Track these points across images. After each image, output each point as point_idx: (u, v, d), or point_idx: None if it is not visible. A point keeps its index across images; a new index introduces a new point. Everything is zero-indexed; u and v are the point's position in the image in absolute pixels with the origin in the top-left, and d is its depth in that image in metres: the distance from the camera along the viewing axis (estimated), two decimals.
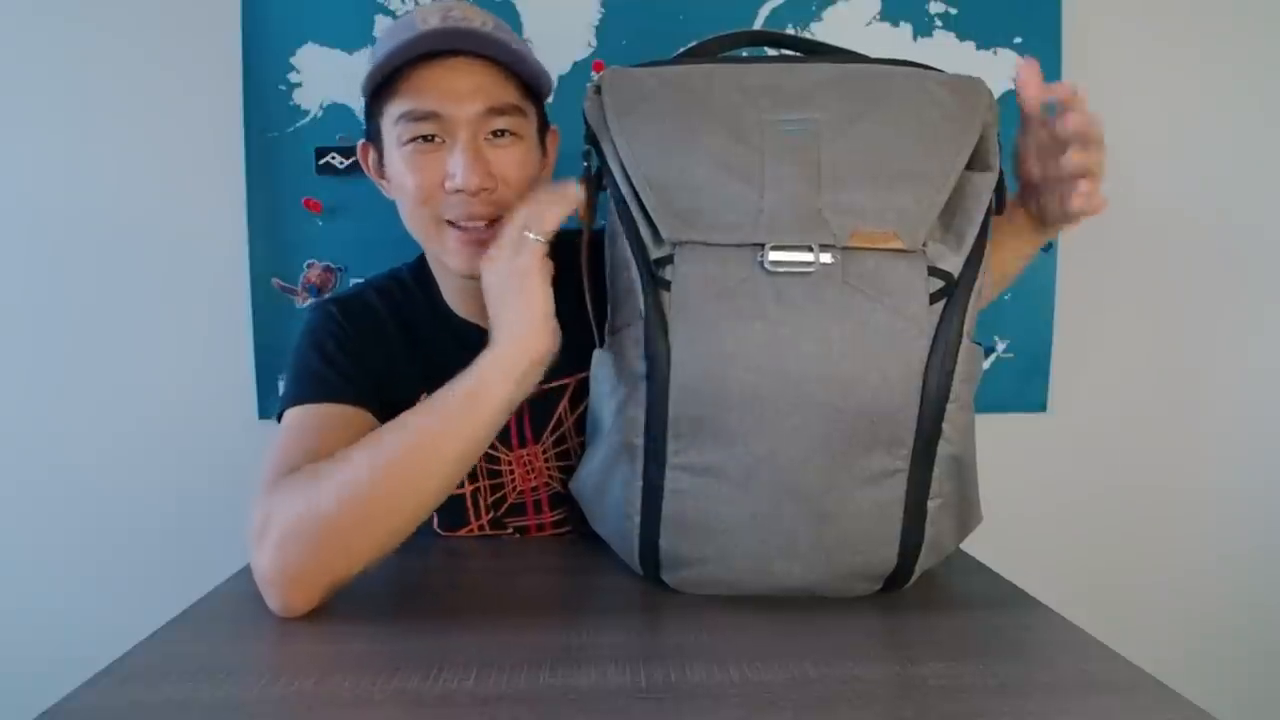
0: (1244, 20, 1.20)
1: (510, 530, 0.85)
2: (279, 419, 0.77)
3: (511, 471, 0.83)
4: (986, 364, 1.16)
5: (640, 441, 0.61)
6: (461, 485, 0.82)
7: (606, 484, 0.66)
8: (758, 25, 1.14)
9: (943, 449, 0.60)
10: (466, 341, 0.82)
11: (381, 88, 0.73)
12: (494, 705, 0.49)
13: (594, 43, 1.12)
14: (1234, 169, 1.22)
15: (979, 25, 1.15)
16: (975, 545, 0.74)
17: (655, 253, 0.59)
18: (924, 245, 0.58)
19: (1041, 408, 1.22)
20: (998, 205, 0.62)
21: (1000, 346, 1.20)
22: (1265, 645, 1.28)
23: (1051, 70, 1.16)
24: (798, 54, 0.72)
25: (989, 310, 1.18)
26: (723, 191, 0.58)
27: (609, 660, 0.53)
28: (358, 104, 0.90)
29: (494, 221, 0.75)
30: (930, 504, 0.61)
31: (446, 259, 0.77)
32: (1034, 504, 1.24)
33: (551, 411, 0.83)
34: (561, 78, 1.11)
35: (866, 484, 0.59)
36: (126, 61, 1.10)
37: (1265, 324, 1.25)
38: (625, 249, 0.61)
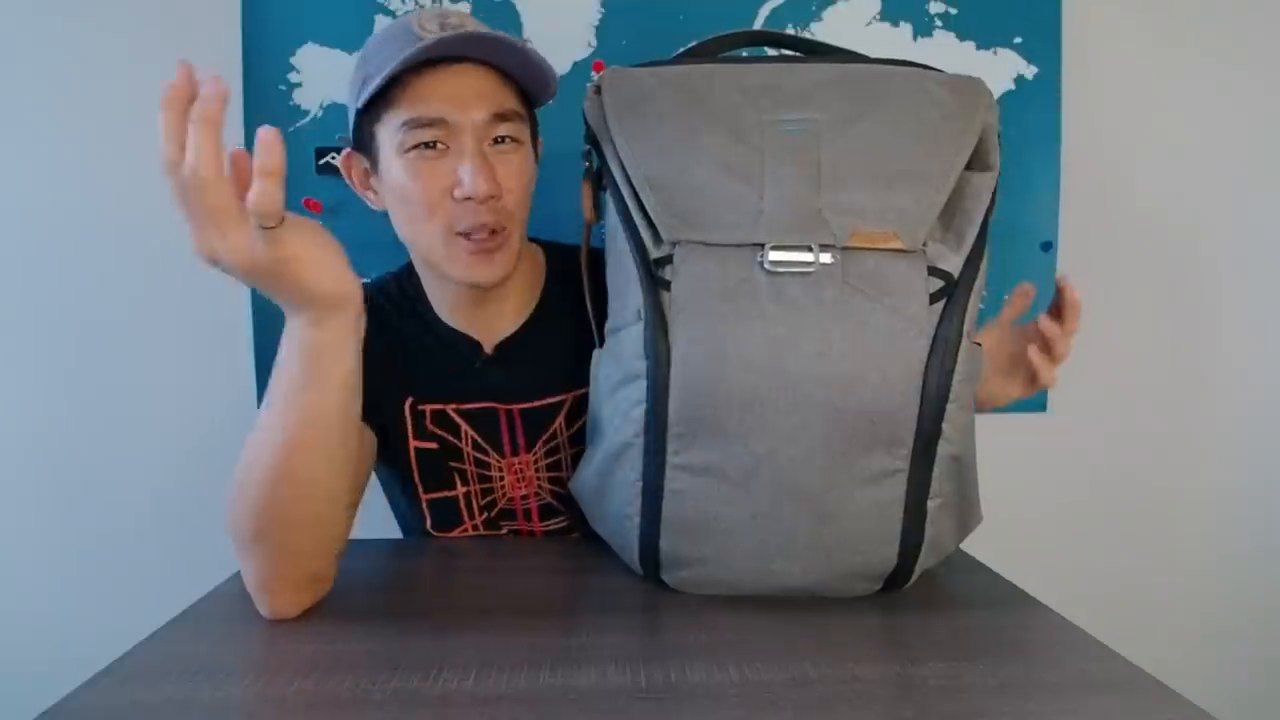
0: (1244, 20, 1.20)
1: (505, 532, 0.85)
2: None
3: (502, 478, 0.83)
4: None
5: (640, 441, 0.61)
6: (454, 488, 0.83)
7: (606, 484, 0.66)
8: (758, 25, 1.14)
9: (943, 449, 0.60)
10: (456, 350, 0.83)
11: (377, 97, 0.72)
12: (494, 705, 0.49)
13: (594, 43, 1.12)
14: (1234, 169, 1.22)
15: (979, 25, 1.15)
16: (975, 545, 0.74)
17: (655, 253, 0.59)
18: (924, 245, 0.58)
19: (1041, 408, 1.22)
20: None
21: None
22: (1265, 645, 1.28)
23: (1051, 70, 1.16)
24: (798, 54, 0.72)
25: (989, 310, 1.18)
26: (723, 191, 0.58)
27: (609, 660, 0.53)
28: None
29: (498, 231, 0.74)
30: (930, 504, 0.61)
31: (452, 270, 0.76)
32: (1034, 504, 1.24)
33: (546, 425, 0.83)
34: (561, 78, 1.10)
35: (866, 484, 0.59)
36: (127, 61, 1.09)
37: (1265, 324, 1.25)
38: (625, 249, 0.61)
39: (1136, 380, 1.24)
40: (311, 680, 0.52)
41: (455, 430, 0.82)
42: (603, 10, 1.11)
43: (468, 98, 0.71)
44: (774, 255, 0.56)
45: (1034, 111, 1.16)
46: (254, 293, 1.11)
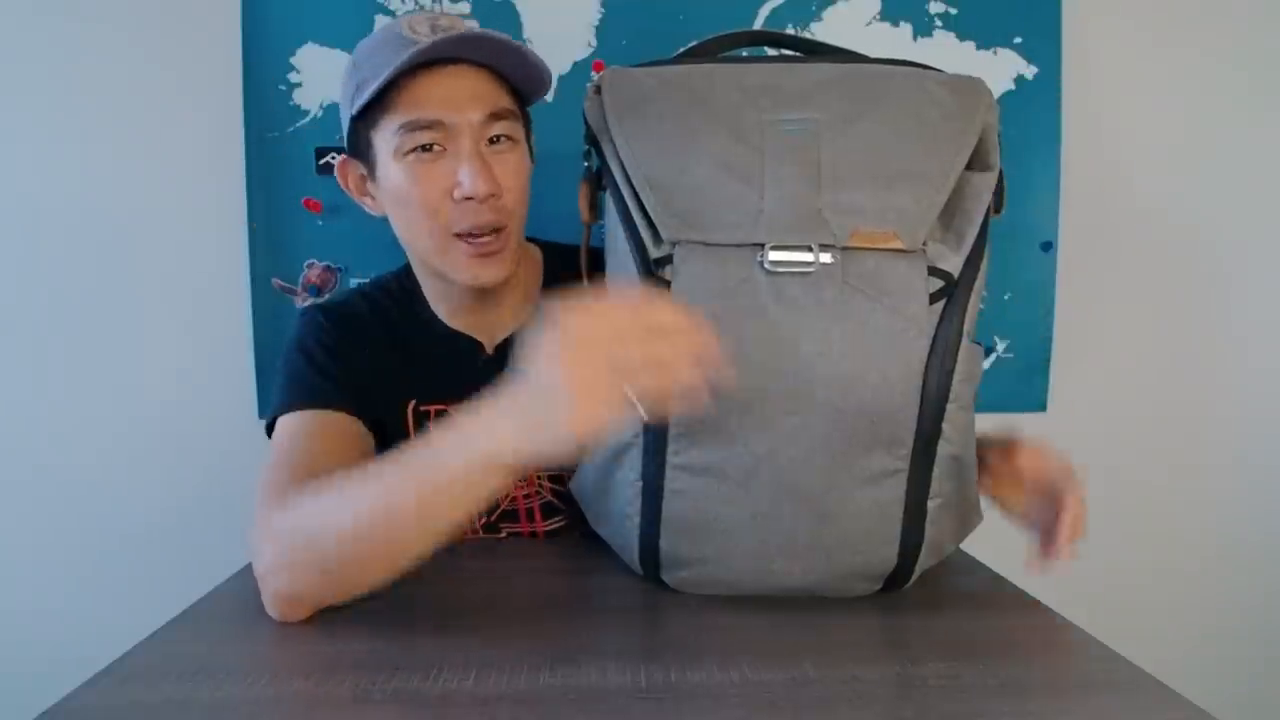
0: (1244, 20, 1.20)
1: (504, 535, 0.85)
2: (269, 428, 0.76)
3: None
4: (986, 364, 1.16)
5: (640, 441, 0.61)
6: None
7: (606, 484, 0.66)
8: (758, 25, 1.14)
9: (943, 449, 0.60)
10: (456, 351, 0.82)
11: (372, 102, 0.72)
12: (494, 705, 0.49)
13: (594, 43, 1.12)
14: (1234, 169, 1.22)
15: (979, 25, 1.15)
16: (975, 545, 0.74)
17: (655, 253, 0.59)
18: (924, 245, 0.58)
19: (1041, 408, 1.22)
20: (996, 205, 0.62)
21: (1000, 346, 1.20)
22: (1265, 645, 1.28)
23: (1051, 70, 1.16)
24: (798, 54, 0.72)
25: (989, 310, 1.18)
26: (723, 191, 0.58)
27: (609, 660, 0.53)
28: None
29: (498, 231, 0.74)
30: (930, 504, 0.61)
31: (454, 272, 0.76)
32: None
33: None
34: (561, 78, 1.11)
35: (866, 484, 0.59)
36: (126, 61, 1.09)
37: (1265, 324, 1.25)
38: (625, 249, 0.61)
39: (1136, 380, 1.24)
40: (311, 680, 0.52)
41: None
42: (603, 10, 1.11)
43: (463, 99, 0.71)
44: (774, 255, 0.56)
45: (1034, 111, 1.16)
46: (254, 293, 1.12)
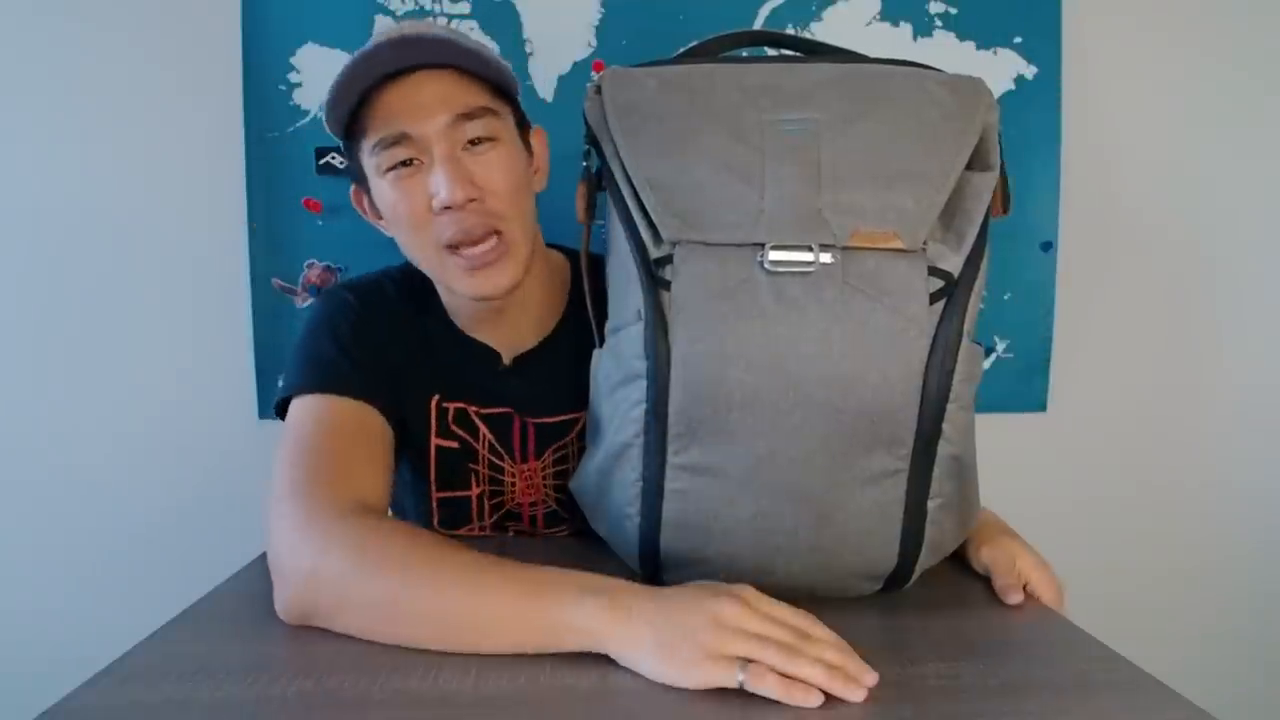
0: (1244, 20, 1.20)
1: (510, 534, 0.85)
2: (279, 407, 0.74)
3: (513, 483, 0.83)
4: (986, 364, 1.16)
5: (640, 441, 0.61)
6: (469, 488, 0.82)
7: (607, 484, 0.66)
8: (758, 25, 1.14)
9: (943, 449, 0.60)
10: (474, 357, 0.81)
11: (352, 123, 0.71)
12: (494, 705, 0.49)
13: (594, 43, 1.12)
14: (1234, 169, 1.22)
15: (979, 25, 1.15)
16: None
17: (655, 253, 0.59)
18: (924, 245, 0.58)
19: (1041, 408, 1.22)
20: (1003, 205, 0.62)
21: (1000, 346, 1.20)
22: (1266, 645, 1.28)
23: (1051, 69, 1.16)
24: (798, 54, 0.72)
25: (989, 310, 1.18)
26: (723, 191, 0.58)
27: (609, 660, 0.53)
28: None
29: (497, 235, 0.72)
30: (930, 504, 0.61)
31: (456, 286, 0.75)
32: (1034, 504, 1.23)
33: (558, 438, 0.83)
34: (561, 78, 1.11)
35: (867, 484, 0.59)
36: (126, 61, 1.09)
37: (1265, 324, 1.25)
38: (625, 249, 0.61)
39: (1136, 380, 1.24)
40: (311, 680, 0.52)
41: (475, 432, 0.81)
42: (603, 10, 1.11)
43: (426, 105, 0.69)
44: (774, 255, 0.56)
45: (1034, 111, 1.16)
46: (254, 293, 1.12)
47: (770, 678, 0.49)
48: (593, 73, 1.11)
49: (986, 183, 0.61)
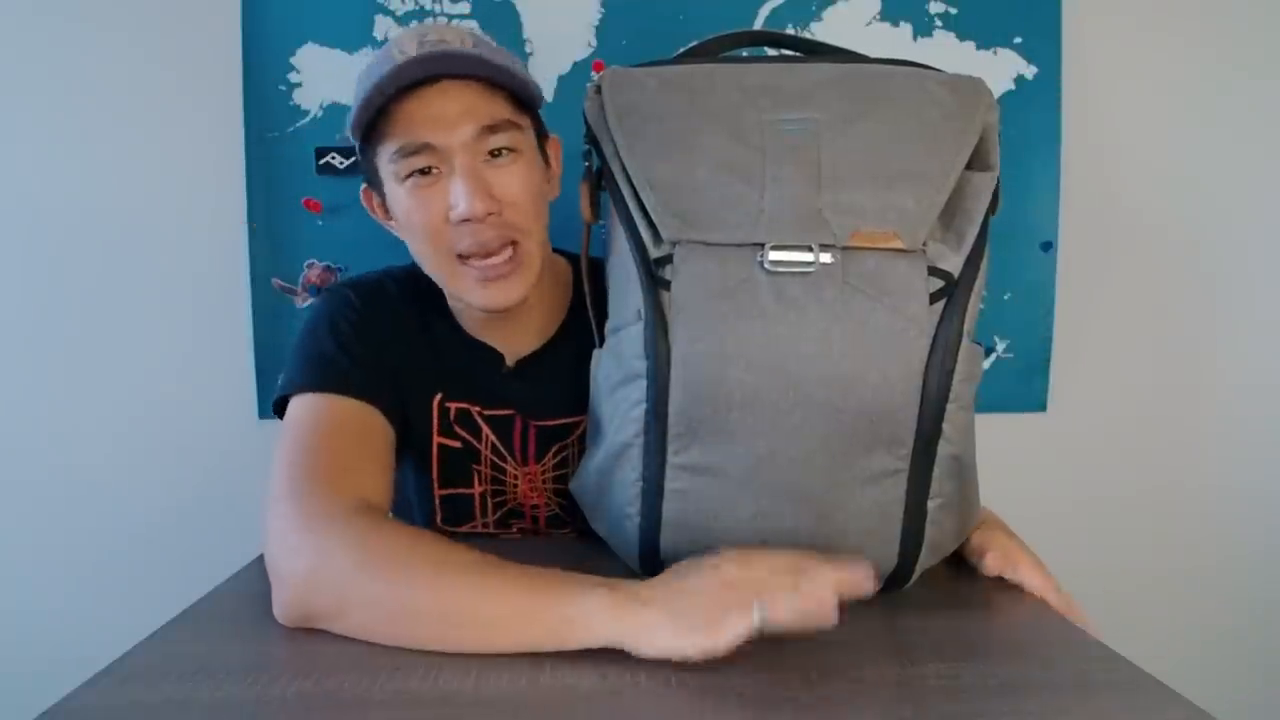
0: (1244, 20, 1.20)
1: (514, 530, 0.85)
2: (277, 405, 0.74)
3: (515, 485, 0.83)
4: (986, 364, 1.16)
5: (640, 441, 0.61)
6: (471, 486, 0.82)
7: (607, 484, 0.66)
8: (758, 25, 1.14)
9: (943, 449, 0.60)
10: (477, 358, 0.81)
11: (371, 128, 0.71)
12: (494, 705, 0.49)
13: (594, 43, 1.11)
14: (1234, 168, 1.22)
15: (979, 25, 1.15)
16: None
17: (655, 252, 0.59)
18: (924, 245, 0.58)
19: (1041, 408, 1.22)
20: (993, 205, 0.62)
21: (1000, 346, 1.20)
22: (1266, 646, 1.28)
23: (1051, 69, 1.16)
24: (798, 54, 0.72)
25: (989, 310, 1.18)
26: (723, 191, 0.58)
27: (609, 660, 0.53)
28: None
29: (514, 247, 0.72)
30: (930, 504, 0.61)
31: (467, 296, 0.75)
32: (1034, 504, 1.23)
33: (559, 441, 0.83)
34: (561, 78, 1.11)
35: (867, 484, 0.59)
36: (126, 61, 1.09)
37: (1265, 323, 1.25)
38: (625, 249, 0.61)
39: (1136, 380, 1.24)
40: (311, 680, 0.52)
41: (477, 433, 0.82)
42: (603, 10, 1.11)
43: (450, 117, 0.69)
44: (774, 255, 0.56)
45: (1034, 111, 1.16)
46: (254, 293, 1.12)
47: (785, 606, 0.51)
48: (593, 73, 1.11)
49: (986, 183, 0.61)
